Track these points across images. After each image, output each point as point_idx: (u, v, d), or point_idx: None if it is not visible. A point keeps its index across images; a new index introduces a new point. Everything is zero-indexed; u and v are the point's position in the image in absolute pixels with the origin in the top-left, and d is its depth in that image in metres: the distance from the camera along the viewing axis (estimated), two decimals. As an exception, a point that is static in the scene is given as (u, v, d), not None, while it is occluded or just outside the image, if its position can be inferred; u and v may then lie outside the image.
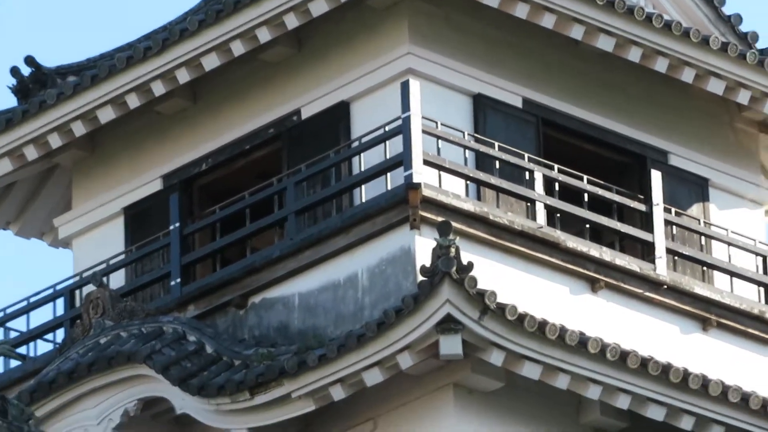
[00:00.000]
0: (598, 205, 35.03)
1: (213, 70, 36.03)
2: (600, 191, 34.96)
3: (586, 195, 34.85)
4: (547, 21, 35.17)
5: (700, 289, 35.33)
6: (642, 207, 35.31)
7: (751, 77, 36.47)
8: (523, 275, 33.05)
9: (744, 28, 40.66)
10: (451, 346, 30.14)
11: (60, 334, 36.95)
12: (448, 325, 30.04)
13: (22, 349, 37.98)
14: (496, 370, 30.76)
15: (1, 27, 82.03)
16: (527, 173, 34.42)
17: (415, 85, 33.08)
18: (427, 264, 30.06)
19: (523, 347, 30.66)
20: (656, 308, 34.66)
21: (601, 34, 35.70)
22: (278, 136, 35.97)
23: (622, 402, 32.14)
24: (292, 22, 34.34)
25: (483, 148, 33.89)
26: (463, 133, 33.93)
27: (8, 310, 36.28)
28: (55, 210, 38.70)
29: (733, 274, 36.06)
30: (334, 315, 33.03)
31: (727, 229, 36.49)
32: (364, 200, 33.25)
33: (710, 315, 35.02)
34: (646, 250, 34.92)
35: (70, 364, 34.29)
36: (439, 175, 33.00)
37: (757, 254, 36.60)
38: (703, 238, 36.37)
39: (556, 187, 34.76)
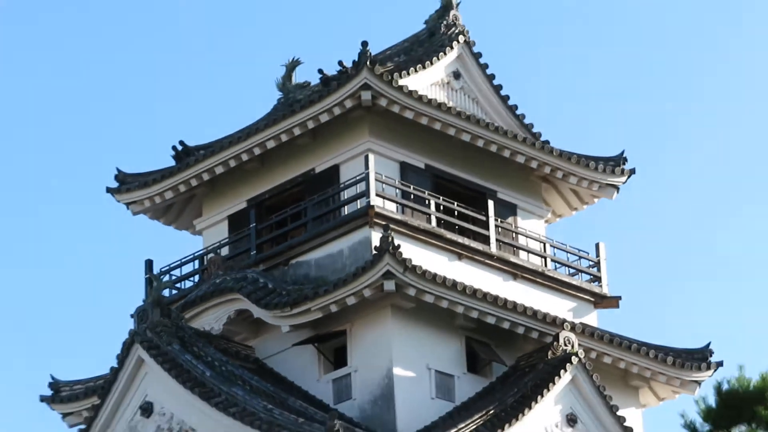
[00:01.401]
0: (463, 216, 36.13)
1: (272, 149, 36.16)
2: (463, 210, 35.91)
3: (456, 211, 35.91)
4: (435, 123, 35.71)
5: (513, 259, 36.46)
6: (484, 218, 36.20)
7: (536, 155, 36.72)
8: (426, 252, 34.22)
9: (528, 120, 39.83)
10: (389, 286, 31.63)
11: (196, 278, 37.82)
12: (388, 275, 31.63)
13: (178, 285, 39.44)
14: (411, 298, 32.34)
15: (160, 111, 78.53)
16: (427, 200, 35.37)
17: (371, 158, 34.47)
18: (377, 245, 32.01)
19: (425, 287, 32.27)
20: (491, 269, 35.68)
21: (462, 132, 35.68)
22: (303, 182, 36.62)
23: (474, 314, 33.44)
24: (310, 125, 34.83)
25: (406, 189, 35.23)
26: (395, 180, 35.11)
27: (172, 265, 37.47)
28: (194, 216, 39.02)
29: (528, 250, 37.20)
30: (332, 270, 34.12)
31: (525, 230, 37.55)
32: (347, 213, 34.67)
33: (517, 272, 36.21)
34: (486, 239, 36.00)
35: (201, 292, 35.66)
36: (383, 202, 34.19)
37: (538, 241, 37.45)
38: (513, 234, 37.27)
39: (441, 207, 35.71)
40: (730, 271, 70.07)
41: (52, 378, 37.01)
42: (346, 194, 35.02)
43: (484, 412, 32.48)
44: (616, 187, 38.06)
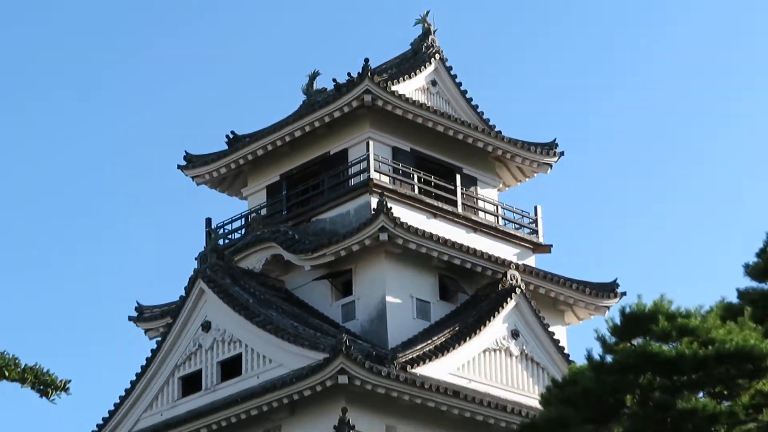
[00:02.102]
0: (438, 186, 35.37)
1: (298, 137, 35.68)
2: (438, 182, 35.15)
3: (433, 182, 35.28)
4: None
5: (473, 216, 35.79)
6: (453, 187, 35.66)
7: (491, 141, 36.03)
8: (410, 213, 33.48)
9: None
10: (383, 237, 31.58)
11: (242, 231, 36.80)
12: (383, 229, 31.49)
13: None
14: (399, 245, 32.10)
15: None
16: (412, 175, 34.97)
17: (370, 144, 34.17)
18: (374, 207, 31.91)
19: (409, 237, 32.07)
20: (457, 225, 34.94)
21: (438, 125, 35.37)
22: (321, 161, 35.96)
23: (445, 257, 33.40)
24: (326, 120, 34.56)
25: (396, 166, 34.69)
26: (388, 160, 34.68)
27: (224, 222, 36.63)
28: (241, 186, 38.48)
29: (485, 211, 36.38)
30: (341, 226, 33.76)
31: (482, 196, 36.69)
32: (352, 184, 34.29)
33: (476, 227, 35.59)
34: (454, 203, 35.32)
35: (246, 241, 35.20)
36: (379, 176, 33.87)
37: (492, 204, 36.64)
38: (474, 199, 36.42)
39: (421, 179, 35.10)
40: (635, 225, 69.41)
41: (138, 303, 36.64)
42: (352, 170, 34.76)
43: (451, 329, 32.52)
44: (550, 165, 37.36)
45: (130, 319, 36.95)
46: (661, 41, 75.02)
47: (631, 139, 71.61)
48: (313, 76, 37.43)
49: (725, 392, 19.07)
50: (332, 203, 34.88)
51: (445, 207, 35.26)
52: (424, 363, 30.83)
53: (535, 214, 37.01)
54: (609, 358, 19.35)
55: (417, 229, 32.78)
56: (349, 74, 34.14)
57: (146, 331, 36.79)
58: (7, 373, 16.29)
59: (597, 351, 19.57)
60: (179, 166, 37.36)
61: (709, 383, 18.96)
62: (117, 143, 72.23)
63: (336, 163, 35.53)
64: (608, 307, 35.38)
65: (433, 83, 36.94)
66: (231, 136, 37.12)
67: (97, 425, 34.19)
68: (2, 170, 69.71)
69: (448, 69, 37.36)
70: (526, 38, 73.65)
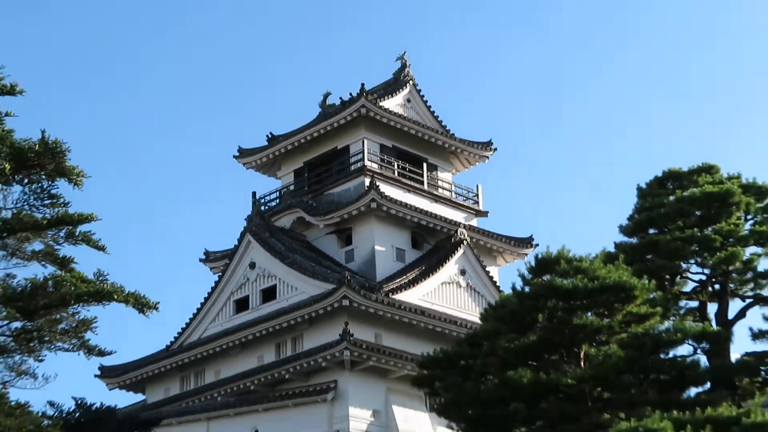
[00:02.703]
0: (411, 170, 34.12)
1: (316, 137, 34.07)
2: (411, 167, 33.85)
3: (407, 168, 34.02)
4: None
5: (435, 192, 34.73)
6: (421, 171, 34.34)
7: (446, 140, 34.89)
8: (392, 189, 32.34)
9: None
10: (373, 205, 30.73)
11: (277, 201, 36.07)
12: (373, 201, 30.66)
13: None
14: (383, 211, 31.18)
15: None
16: (393, 163, 33.71)
17: (365, 142, 33.23)
18: (367, 185, 31.05)
19: (390, 206, 31.17)
20: (424, 197, 33.61)
21: (411, 129, 34.12)
22: (332, 153, 34.41)
23: (415, 220, 32.50)
24: (335, 125, 33.28)
25: (382, 157, 33.62)
26: (377, 153, 33.59)
27: (265, 194, 35.35)
28: (276, 170, 36.26)
29: (443, 188, 35.06)
30: (345, 198, 32.62)
31: (441, 179, 35.20)
32: (352, 169, 33.03)
33: (437, 199, 34.42)
34: (422, 182, 34.42)
35: (279, 208, 34.23)
36: (371, 164, 32.91)
37: (448, 183, 35.32)
38: (436, 180, 35.13)
39: (399, 166, 33.79)
40: (548, 197, 68.34)
41: (205, 250, 36.00)
42: (352, 160, 33.96)
43: (419, 268, 32.16)
44: (487, 157, 36.39)
45: (200, 260, 36.23)
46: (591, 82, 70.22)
47: (548, 144, 70.36)
48: (326, 96, 36.68)
49: (605, 312, 18.57)
50: (339, 182, 34.08)
51: (416, 185, 34.42)
52: (401, 291, 30.21)
53: (477, 191, 36.35)
54: (527, 289, 18.88)
55: (396, 200, 32.04)
56: (350, 94, 33.49)
57: (211, 269, 35.98)
58: (116, 297, 16.03)
59: (518, 284, 19.06)
60: (234, 156, 36.45)
61: (595, 306, 18.51)
62: (197, 140, 70.00)
63: (341, 154, 34.58)
64: (526, 254, 34.82)
65: (408, 101, 36.22)
66: (270, 135, 36.47)
67: (177, 333, 33.42)
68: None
69: (418, 91, 36.69)
70: (475, 66, 70.75)
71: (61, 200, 15.66)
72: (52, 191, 15.68)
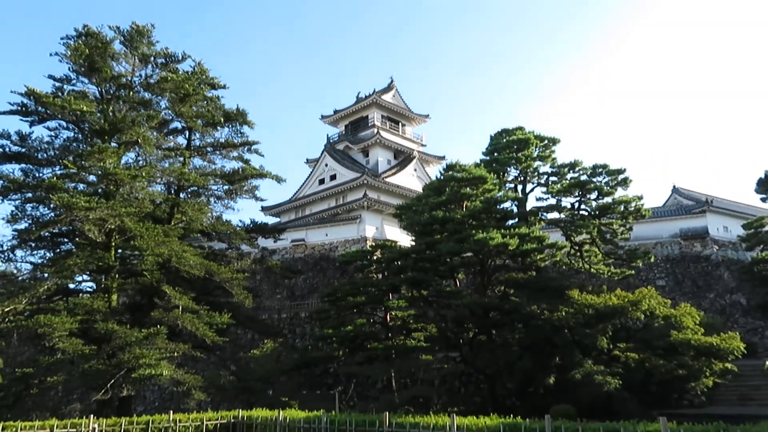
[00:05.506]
0: (393, 127, 42.73)
1: (353, 111, 44.20)
2: (395, 125, 42.21)
3: (392, 126, 42.29)
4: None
5: (405, 135, 43.05)
6: (399, 127, 43.86)
7: (409, 113, 44.45)
8: (386, 134, 40.07)
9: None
10: (377, 137, 40.25)
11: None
12: (378, 136, 39.81)
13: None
14: (381, 143, 41.64)
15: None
16: (387, 122, 41.67)
17: (376, 114, 41.67)
18: (376, 132, 40.41)
19: (384, 140, 41.59)
20: (401, 138, 42.10)
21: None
22: (363, 119, 42.08)
23: (394, 143, 44.11)
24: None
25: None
26: (380, 118, 43.19)
27: (333, 135, 44.85)
28: (335, 123, 45.93)
29: (409, 136, 44.78)
30: (368, 137, 40.78)
31: (408, 130, 43.77)
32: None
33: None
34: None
35: (341, 139, 45.95)
36: (377, 124, 42.90)
37: (411, 133, 43.89)
38: (405, 130, 42.26)
39: (389, 125, 41.44)
40: (459, 136, 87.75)
41: (308, 158, 52.72)
42: (369, 123, 46.63)
43: (397, 168, 42.14)
44: (426, 120, 47.89)
45: (308, 161, 51.86)
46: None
47: (461, 106, 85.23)
48: (359, 93, 48.81)
49: (474, 188, 25.35)
50: (364, 130, 49.70)
51: (396, 132, 46.81)
52: (389, 177, 43.95)
53: (421, 135, 52.43)
54: (442, 177, 27.03)
55: (388, 138, 44.85)
56: (374, 89, 47.87)
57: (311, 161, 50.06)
58: (268, 176, 23.73)
59: (438, 176, 27.11)
60: (322, 117, 53.56)
61: (470, 185, 26.17)
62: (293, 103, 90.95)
63: (366, 119, 51.20)
64: (442, 162, 51.04)
65: (393, 95, 52.98)
66: (335, 110, 52.97)
67: (294, 192, 52.66)
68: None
69: (397, 90, 53.83)
70: (445, 86, 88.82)
71: (245, 136, 26.77)
72: (241, 130, 27.16)
